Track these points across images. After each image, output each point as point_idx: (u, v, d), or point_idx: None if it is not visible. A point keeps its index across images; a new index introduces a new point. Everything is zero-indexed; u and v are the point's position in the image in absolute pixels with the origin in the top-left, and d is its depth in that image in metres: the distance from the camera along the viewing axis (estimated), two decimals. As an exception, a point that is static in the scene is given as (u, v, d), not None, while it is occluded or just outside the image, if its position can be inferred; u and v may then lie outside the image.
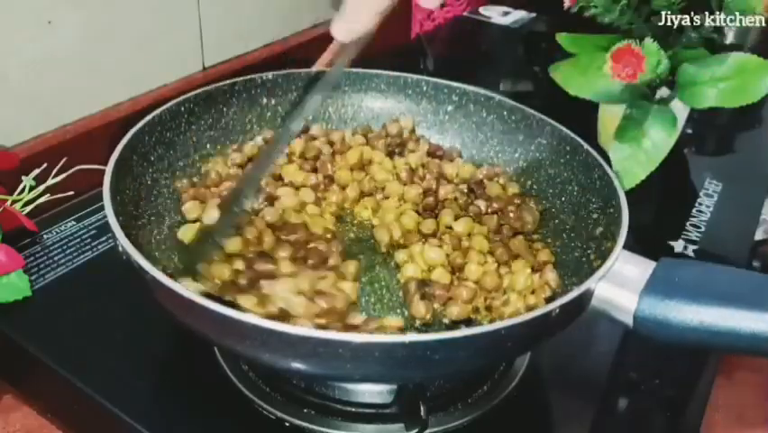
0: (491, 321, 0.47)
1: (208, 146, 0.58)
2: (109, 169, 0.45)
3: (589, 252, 0.49)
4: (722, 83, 0.64)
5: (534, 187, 0.58)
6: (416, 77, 0.63)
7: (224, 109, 0.59)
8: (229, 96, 0.59)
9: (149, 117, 0.52)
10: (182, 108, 0.55)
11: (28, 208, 0.56)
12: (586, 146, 0.54)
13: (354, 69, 0.63)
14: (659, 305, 0.40)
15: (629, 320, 0.41)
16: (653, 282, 0.41)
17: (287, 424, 0.44)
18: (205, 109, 0.57)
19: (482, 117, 0.62)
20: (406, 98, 0.64)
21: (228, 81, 0.59)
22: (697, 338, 0.40)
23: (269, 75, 0.61)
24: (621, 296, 0.41)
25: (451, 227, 0.53)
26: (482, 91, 0.62)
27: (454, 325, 0.47)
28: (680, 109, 0.67)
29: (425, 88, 0.63)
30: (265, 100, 0.61)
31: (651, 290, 0.41)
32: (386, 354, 0.36)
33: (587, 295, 0.41)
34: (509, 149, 0.61)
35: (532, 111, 0.59)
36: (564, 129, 0.56)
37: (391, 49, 0.98)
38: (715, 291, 0.40)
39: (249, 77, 0.60)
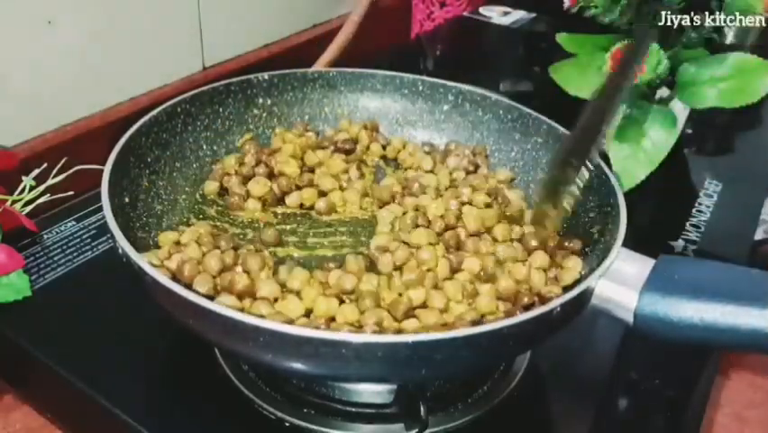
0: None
1: (204, 147, 0.58)
2: (106, 172, 0.45)
3: (587, 249, 0.49)
4: (722, 83, 0.64)
5: (531, 186, 0.58)
6: (411, 76, 0.63)
7: (220, 110, 0.59)
8: (225, 97, 0.59)
9: (145, 119, 0.52)
10: (178, 109, 0.55)
11: (28, 208, 0.56)
12: None
13: (350, 69, 0.64)
14: (659, 302, 0.40)
15: (629, 318, 0.41)
16: (652, 280, 0.41)
17: (287, 424, 0.44)
18: (201, 110, 0.57)
19: (478, 116, 0.62)
20: (401, 98, 0.64)
21: (224, 82, 0.59)
22: (697, 335, 0.40)
23: (265, 75, 0.61)
24: (621, 294, 0.41)
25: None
26: (478, 90, 0.62)
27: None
28: (680, 109, 0.67)
29: (420, 88, 0.63)
30: (261, 100, 0.61)
31: (651, 287, 0.41)
32: (389, 354, 0.36)
33: (587, 293, 0.41)
34: (505, 148, 0.61)
35: (528, 110, 0.59)
36: (560, 128, 0.56)
37: (391, 49, 0.98)
38: (715, 288, 0.40)
39: (244, 77, 0.60)
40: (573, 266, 0.47)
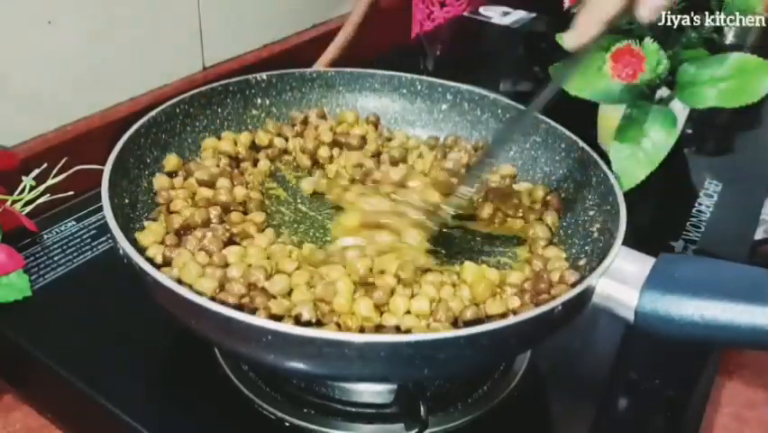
0: None
1: (203, 148, 0.58)
2: (106, 172, 0.45)
3: (587, 248, 0.49)
4: (722, 83, 0.64)
5: (530, 185, 0.58)
6: (410, 76, 0.63)
7: (219, 110, 0.59)
8: (224, 97, 0.59)
9: (144, 119, 0.52)
10: (177, 110, 0.55)
11: (28, 208, 0.56)
12: (581, 143, 0.54)
13: (348, 69, 0.64)
14: (660, 300, 0.40)
15: (630, 316, 0.41)
16: (653, 278, 0.41)
17: (287, 424, 0.44)
18: (200, 110, 0.57)
19: (477, 116, 0.62)
20: (400, 97, 0.64)
21: (222, 82, 0.59)
22: (697, 333, 0.40)
23: (263, 75, 0.61)
24: (622, 292, 0.41)
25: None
26: (477, 90, 0.62)
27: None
28: (680, 109, 0.67)
29: (419, 87, 0.63)
30: (260, 101, 0.61)
31: (651, 285, 0.41)
32: (391, 354, 0.36)
33: (588, 292, 0.41)
34: (504, 146, 0.61)
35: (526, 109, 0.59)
36: (559, 127, 0.56)
37: (391, 49, 0.98)
38: (715, 285, 0.40)
39: (243, 77, 0.60)
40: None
